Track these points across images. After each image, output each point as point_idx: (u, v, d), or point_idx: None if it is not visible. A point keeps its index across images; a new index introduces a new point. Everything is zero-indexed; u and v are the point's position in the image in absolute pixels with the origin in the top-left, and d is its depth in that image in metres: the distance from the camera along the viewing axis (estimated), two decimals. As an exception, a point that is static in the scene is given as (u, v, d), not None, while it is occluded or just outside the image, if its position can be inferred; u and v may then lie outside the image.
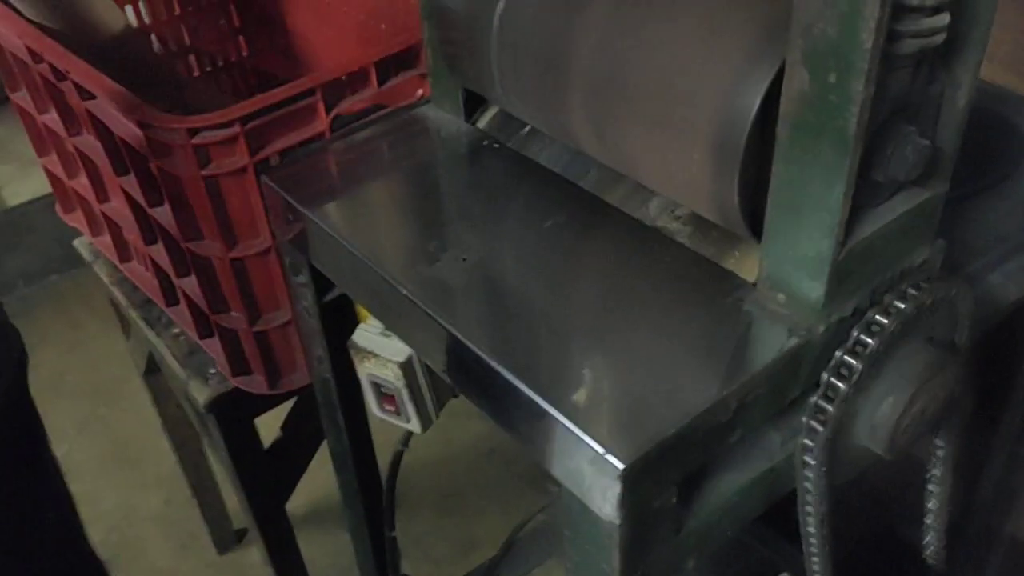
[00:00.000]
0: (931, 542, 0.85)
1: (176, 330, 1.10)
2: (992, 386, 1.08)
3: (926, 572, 0.89)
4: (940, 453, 0.79)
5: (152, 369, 1.37)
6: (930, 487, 0.81)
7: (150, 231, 0.98)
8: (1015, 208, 0.83)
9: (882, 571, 1.00)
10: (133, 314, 1.16)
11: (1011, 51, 1.02)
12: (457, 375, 0.68)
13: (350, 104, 0.87)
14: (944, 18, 0.52)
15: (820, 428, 0.61)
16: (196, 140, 0.78)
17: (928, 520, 0.83)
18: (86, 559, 0.85)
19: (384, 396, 0.89)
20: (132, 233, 1.04)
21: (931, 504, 0.82)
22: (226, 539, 1.73)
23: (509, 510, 1.56)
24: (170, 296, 1.06)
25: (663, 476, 0.57)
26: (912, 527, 0.92)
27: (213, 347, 1.00)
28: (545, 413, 0.57)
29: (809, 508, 0.68)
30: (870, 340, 0.60)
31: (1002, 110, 0.95)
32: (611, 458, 0.53)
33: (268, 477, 1.17)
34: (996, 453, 1.13)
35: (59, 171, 1.11)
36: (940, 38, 0.53)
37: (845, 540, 1.17)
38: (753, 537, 1.17)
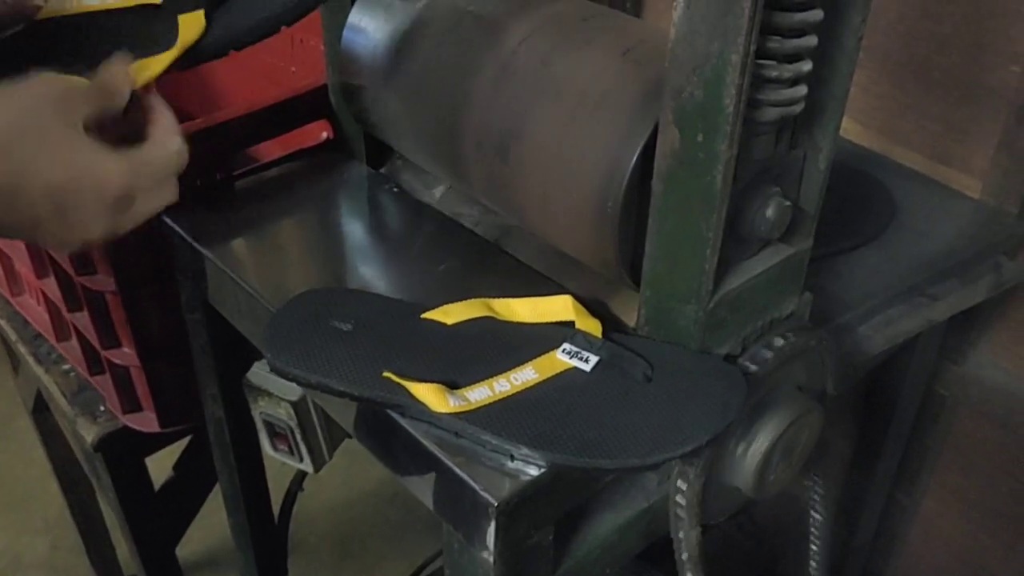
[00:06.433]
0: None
1: (66, 366, 1.08)
2: (869, 435, 1.13)
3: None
4: (818, 495, 0.83)
5: (40, 407, 1.33)
6: (812, 528, 0.85)
7: (42, 264, 0.97)
8: (883, 265, 0.89)
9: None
10: (22, 349, 1.13)
11: (886, 119, 1.09)
12: (344, 414, 0.69)
13: (253, 144, 0.88)
14: (801, 89, 0.57)
15: (690, 473, 0.64)
16: (91, 174, 0.78)
17: (812, 561, 0.86)
18: None
19: (277, 435, 0.89)
20: (24, 266, 1.01)
21: (814, 545, 0.86)
22: (115, 588, 1.66)
23: (410, 556, 1.56)
24: (61, 331, 1.04)
25: (539, 515, 0.58)
26: (795, 566, 0.96)
27: (103, 384, 0.98)
28: (426, 451, 0.58)
29: (683, 548, 0.70)
30: (738, 387, 0.63)
31: (876, 173, 1.02)
32: (486, 495, 0.55)
33: (158, 519, 1.14)
34: (874, 498, 1.18)
35: (-51, 201, 1.08)
36: (798, 108, 0.58)
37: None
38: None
